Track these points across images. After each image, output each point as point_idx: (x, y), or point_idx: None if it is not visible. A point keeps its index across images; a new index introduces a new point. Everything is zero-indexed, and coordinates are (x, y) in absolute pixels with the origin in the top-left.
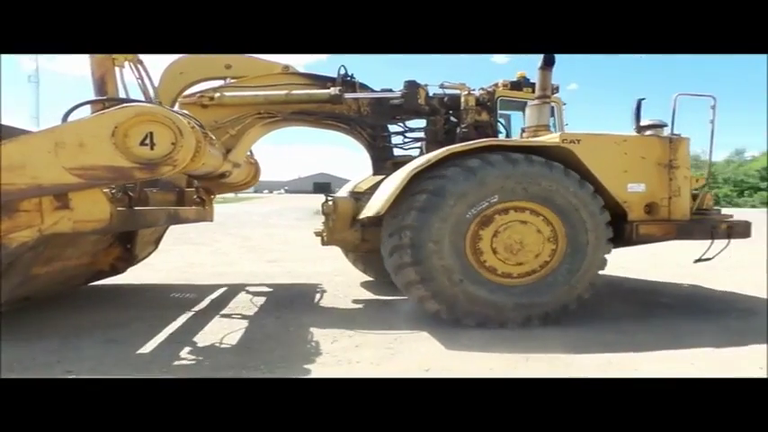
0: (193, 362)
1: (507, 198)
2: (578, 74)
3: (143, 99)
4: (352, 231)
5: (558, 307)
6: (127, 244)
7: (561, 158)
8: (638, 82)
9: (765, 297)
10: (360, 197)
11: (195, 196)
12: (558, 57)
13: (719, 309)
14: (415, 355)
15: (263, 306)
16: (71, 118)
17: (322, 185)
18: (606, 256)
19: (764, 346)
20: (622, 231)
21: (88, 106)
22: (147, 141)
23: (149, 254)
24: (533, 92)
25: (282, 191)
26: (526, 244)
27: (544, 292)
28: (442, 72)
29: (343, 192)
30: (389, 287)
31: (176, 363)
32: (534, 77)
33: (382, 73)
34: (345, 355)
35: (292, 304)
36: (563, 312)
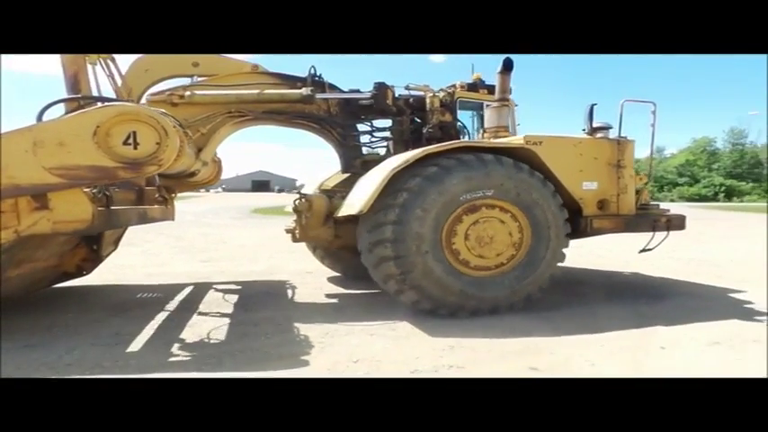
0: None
1: (478, 197)
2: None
3: (115, 97)
4: (326, 228)
5: (523, 297)
6: (93, 245)
7: (525, 158)
8: (571, 81)
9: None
10: (332, 195)
11: (157, 195)
12: (493, 56)
13: (652, 294)
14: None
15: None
16: (45, 116)
17: (260, 183)
18: (564, 249)
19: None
20: (578, 225)
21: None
22: (131, 141)
23: (110, 254)
24: (489, 93)
25: (220, 189)
26: (496, 238)
27: (507, 284)
28: (378, 70)
29: (308, 189)
30: (355, 282)
31: (171, 359)
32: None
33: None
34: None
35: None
36: (527, 301)
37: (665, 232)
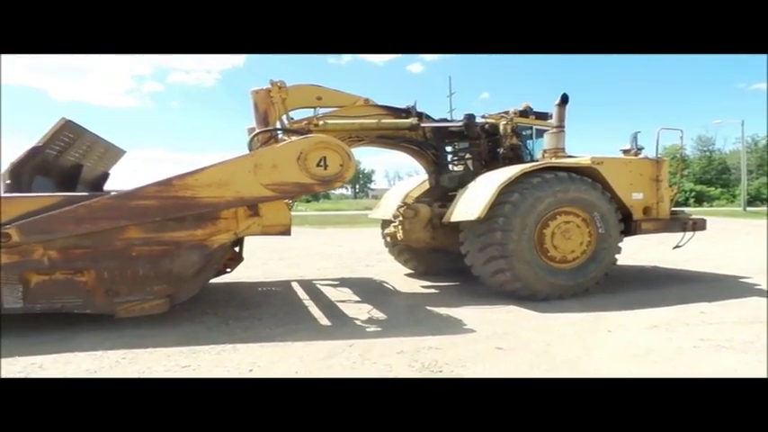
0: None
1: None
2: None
3: (280, 126)
4: (425, 231)
5: (593, 283)
6: (237, 247)
7: (590, 175)
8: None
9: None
10: (430, 204)
11: None
12: (470, 68)
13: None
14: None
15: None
16: (252, 141)
17: None
18: (620, 244)
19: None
20: (628, 227)
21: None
22: (322, 163)
23: None
24: (536, 119)
25: None
26: (573, 239)
27: (581, 273)
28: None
29: (392, 198)
30: (429, 277)
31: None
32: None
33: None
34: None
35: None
36: (595, 285)
37: (692, 232)
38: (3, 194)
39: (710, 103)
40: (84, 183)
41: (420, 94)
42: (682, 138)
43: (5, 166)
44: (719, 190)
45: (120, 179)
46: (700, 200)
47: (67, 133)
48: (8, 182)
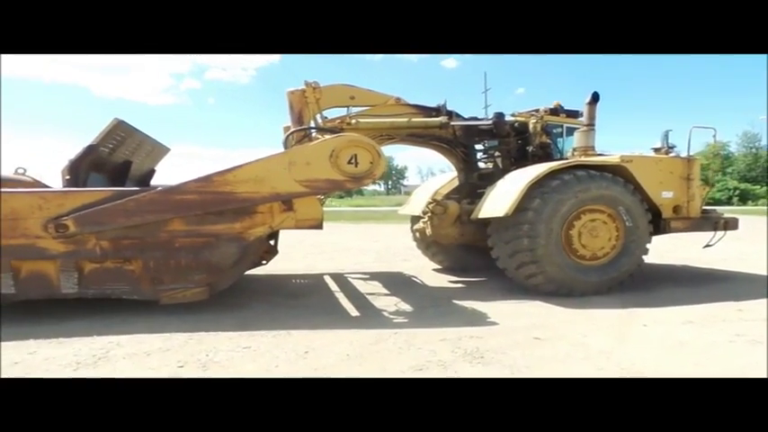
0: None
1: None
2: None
3: (314, 125)
4: (454, 228)
5: (619, 280)
6: (272, 240)
7: (619, 173)
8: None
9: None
10: (459, 201)
11: None
12: (505, 64)
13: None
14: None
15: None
16: (287, 140)
17: None
18: (649, 235)
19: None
20: (658, 226)
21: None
22: (353, 161)
23: None
24: (567, 117)
25: None
26: (600, 236)
27: (607, 271)
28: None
29: (421, 194)
30: (458, 273)
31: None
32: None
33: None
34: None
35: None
36: (622, 283)
37: (723, 231)
38: (62, 189)
39: (757, 100)
40: (133, 178)
41: (454, 89)
42: (714, 136)
43: (60, 163)
44: (766, 188)
45: (162, 174)
46: (744, 198)
47: (119, 132)
48: (67, 177)
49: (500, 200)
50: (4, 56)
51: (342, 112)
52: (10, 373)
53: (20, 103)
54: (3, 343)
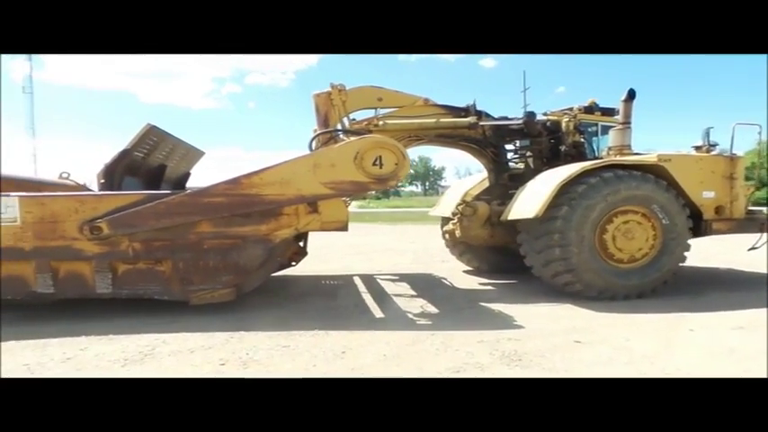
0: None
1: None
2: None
3: (340, 127)
4: (484, 229)
5: (657, 284)
6: (301, 242)
7: (657, 173)
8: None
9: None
10: (489, 202)
11: None
12: (545, 62)
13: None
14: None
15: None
16: (313, 142)
17: None
18: (689, 243)
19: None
20: (698, 227)
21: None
22: (377, 162)
23: None
24: (602, 115)
25: None
26: (636, 237)
27: (645, 273)
28: (427, 75)
29: (452, 195)
30: (490, 275)
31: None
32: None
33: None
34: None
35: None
36: (661, 286)
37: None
38: (96, 192)
39: None
40: (168, 182)
41: (492, 89)
42: (760, 133)
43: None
44: None
45: (201, 177)
46: None
47: (152, 137)
48: (102, 181)
49: (530, 201)
50: (58, 64)
51: (371, 113)
52: (62, 368)
53: (75, 109)
54: (56, 339)
